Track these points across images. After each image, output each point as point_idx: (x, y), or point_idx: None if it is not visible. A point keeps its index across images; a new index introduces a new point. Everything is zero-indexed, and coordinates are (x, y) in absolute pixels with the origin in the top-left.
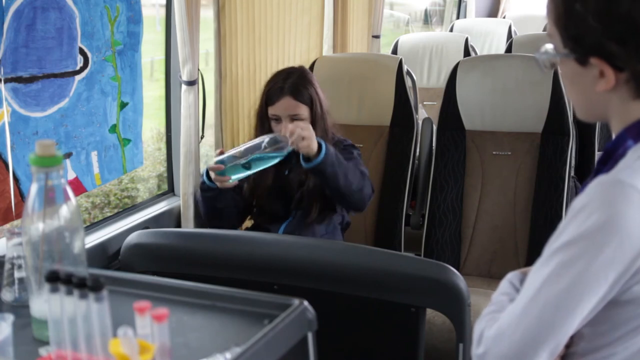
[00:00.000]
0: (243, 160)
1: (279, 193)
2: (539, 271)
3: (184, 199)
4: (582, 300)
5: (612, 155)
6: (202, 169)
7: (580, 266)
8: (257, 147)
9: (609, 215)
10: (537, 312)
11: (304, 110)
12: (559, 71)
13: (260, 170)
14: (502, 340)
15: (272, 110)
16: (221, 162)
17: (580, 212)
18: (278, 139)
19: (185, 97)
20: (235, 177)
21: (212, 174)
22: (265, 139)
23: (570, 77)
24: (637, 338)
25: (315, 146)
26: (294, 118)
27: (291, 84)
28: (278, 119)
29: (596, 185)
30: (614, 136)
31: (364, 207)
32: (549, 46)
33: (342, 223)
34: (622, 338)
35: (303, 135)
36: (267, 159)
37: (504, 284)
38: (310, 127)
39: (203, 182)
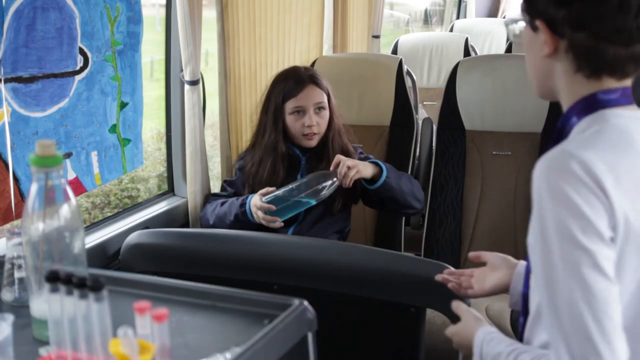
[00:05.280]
0: (293, 199)
1: None
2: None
3: (191, 198)
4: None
5: (562, 134)
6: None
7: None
8: (305, 185)
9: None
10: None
11: (326, 99)
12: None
13: (272, 176)
14: None
15: (294, 103)
16: (272, 203)
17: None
18: (324, 173)
19: (189, 97)
20: (284, 218)
21: (260, 213)
22: (311, 176)
23: (526, 45)
24: None
25: (365, 171)
26: (318, 107)
27: (308, 74)
28: (300, 112)
29: (542, 162)
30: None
31: (422, 206)
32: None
33: (344, 231)
34: None
35: (348, 165)
36: (317, 197)
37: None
38: (351, 159)
39: (244, 213)
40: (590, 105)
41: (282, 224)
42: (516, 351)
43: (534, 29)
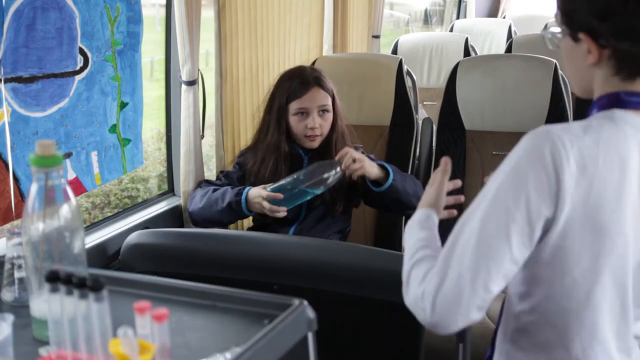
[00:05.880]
0: (298, 188)
1: None
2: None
3: (184, 198)
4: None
5: None
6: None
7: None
8: (310, 174)
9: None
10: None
11: (330, 101)
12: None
13: (274, 175)
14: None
15: (298, 104)
16: (276, 192)
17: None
18: (328, 162)
19: (185, 97)
20: (290, 207)
21: (265, 203)
22: (315, 165)
23: (566, 52)
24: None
25: (370, 169)
26: (322, 109)
27: (314, 76)
28: (304, 114)
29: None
30: None
31: None
32: (554, 26)
33: (345, 231)
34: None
35: (355, 157)
36: (321, 186)
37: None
38: (359, 153)
39: (238, 202)
40: (611, 102)
41: (286, 214)
42: (421, 250)
43: (576, 40)
